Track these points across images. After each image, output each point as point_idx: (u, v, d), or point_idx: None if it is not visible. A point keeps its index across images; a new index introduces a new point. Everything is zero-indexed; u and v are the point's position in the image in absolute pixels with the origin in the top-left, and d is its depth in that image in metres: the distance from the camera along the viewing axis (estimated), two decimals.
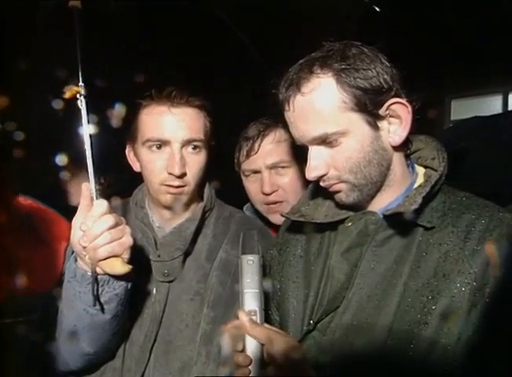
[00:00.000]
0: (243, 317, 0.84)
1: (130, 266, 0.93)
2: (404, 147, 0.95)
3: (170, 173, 1.07)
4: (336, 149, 0.89)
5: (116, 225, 0.92)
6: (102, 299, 0.96)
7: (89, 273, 0.93)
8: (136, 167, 1.17)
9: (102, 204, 0.92)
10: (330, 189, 0.94)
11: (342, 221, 0.98)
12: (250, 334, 0.84)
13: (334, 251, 0.96)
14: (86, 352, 1.02)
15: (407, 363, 0.84)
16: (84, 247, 0.91)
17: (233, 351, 0.85)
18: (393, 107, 0.88)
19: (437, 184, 0.91)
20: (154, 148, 1.09)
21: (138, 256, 1.01)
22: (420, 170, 0.98)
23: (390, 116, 0.89)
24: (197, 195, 1.19)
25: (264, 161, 1.31)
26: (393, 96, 0.88)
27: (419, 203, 0.85)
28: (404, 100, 0.88)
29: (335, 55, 0.87)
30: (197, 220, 1.14)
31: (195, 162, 1.11)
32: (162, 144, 1.08)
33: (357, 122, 0.87)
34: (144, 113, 1.09)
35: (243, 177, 1.39)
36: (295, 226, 1.09)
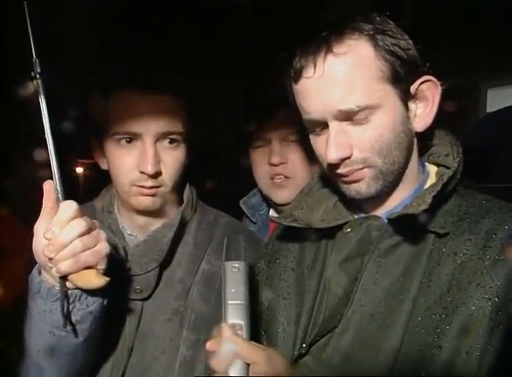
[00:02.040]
0: (226, 332, 0.80)
1: (107, 278, 0.87)
2: (419, 138, 0.91)
3: (141, 172, 1.03)
4: (364, 127, 0.83)
5: (89, 230, 0.86)
6: (73, 318, 0.89)
7: (57, 288, 0.87)
8: (103, 165, 1.12)
9: (70, 206, 0.84)
10: (350, 178, 0.87)
11: (341, 228, 0.93)
12: None
13: (331, 261, 0.92)
14: None
15: None
16: (50, 259, 0.84)
17: (213, 371, 0.80)
18: (422, 86, 0.85)
19: (451, 184, 0.85)
20: (123, 142, 1.04)
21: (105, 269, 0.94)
22: (432, 169, 0.94)
23: (417, 98, 0.86)
24: (175, 197, 1.14)
25: (275, 130, 1.32)
26: (423, 74, 0.85)
27: (429, 203, 0.80)
28: (435, 79, 0.85)
29: (364, 21, 0.84)
30: (175, 225, 1.09)
31: (172, 158, 1.06)
32: (132, 137, 1.03)
33: (391, 97, 0.83)
34: (111, 102, 1.04)
35: (251, 151, 1.41)
36: (287, 234, 1.04)
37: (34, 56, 0.85)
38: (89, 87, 1.13)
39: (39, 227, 0.87)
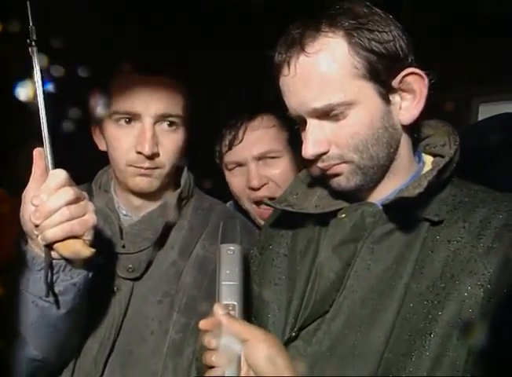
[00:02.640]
0: (219, 311, 0.79)
1: (93, 249, 0.87)
2: (412, 130, 0.90)
3: (139, 153, 1.03)
4: (341, 123, 0.84)
5: (77, 199, 0.85)
6: (56, 289, 0.89)
7: (43, 256, 0.86)
8: (101, 145, 1.12)
9: (59, 174, 0.84)
10: (329, 172, 0.88)
11: (335, 215, 0.93)
12: (227, 330, 0.78)
13: (325, 246, 0.91)
14: (33, 356, 0.94)
15: None
16: (36, 226, 0.84)
17: (206, 349, 0.80)
18: (407, 79, 0.84)
19: (447, 171, 0.85)
20: (122, 122, 1.04)
21: (96, 245, 0.93)
22: (428, 159, 0.93)
23: (403, 90, 0.85)
24: (172, 180, 1.14)
25: (250, 151, 1.25)
26: (407, 67, 0.84)
27: (424, 187, 0.79)
28: (420, 71, 0.84)
29: (345, 13, 0.83)
30: (171, 206, 1.09)
31: (171, 141, 1.06)
32: (131, 117, 1.03)
33: (368, 93, 0.82)
34: (112, 81, 1.05)
35: (226, 172, 1.33)
36: (280, 221, 1.04)
37: (31, 24, 0.84)
38: (90, 68, 1.13)
39: (27, 194, 0.87)
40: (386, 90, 0.83)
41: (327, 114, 0.84)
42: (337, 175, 0.88)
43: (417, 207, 0.84)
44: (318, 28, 0.82)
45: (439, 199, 0.87)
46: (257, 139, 1.25)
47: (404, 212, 0.84)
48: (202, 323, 0.81)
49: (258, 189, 1.26)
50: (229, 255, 0.85)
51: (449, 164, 0.86)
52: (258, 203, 1.29)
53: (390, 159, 0.88)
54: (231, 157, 1.28)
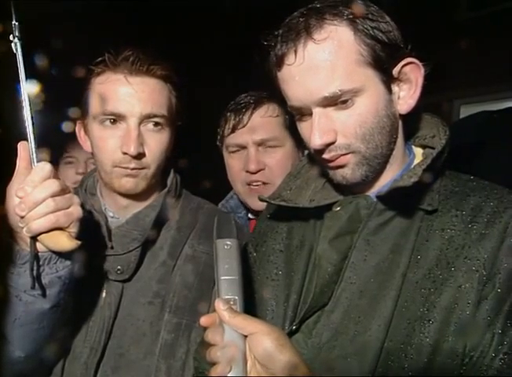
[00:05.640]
0: (221, 306, 0.79)
1: (78, 242, 0.87)
2: (405, 121, 0.94)
3: (124, 153, 1.03)
4: (348, 113, 0.86)
5: (62, 191, 0.86)
6: (42, 282, 0.89)
7: (27, 250, 0.87)
8: (86, 147, 1.12)
9: (44, 167, 0.85)
10: (335, 163, 0.90)
11: (330, 208, 0.95)
12: (230, 324, 0.78)
13: (322, 238, 0.93)
14: (16, 357, 0.94)
15: (407, 368, 0.80)
16: (21, 218, 0.84)
17: (208, 346, 0.80)
18: (405, 69, 0.87)
19: (440, 159, 0.89)
20: (107, 123, 1.05)
21: (84, 248, 0.93)
22: (418, 152, 0.97)
23: (400, 80, 0.88)
24: (159, 181, 1.15)
25: (252, 136, 1.32)
26: (406, 57, 0.87)
27: (419, 176, 0.83)
28: (417, 61, 0.87)
29: (345, 4, 0.85)
30: (158, 206, 1.10)
31: (156, 141, 1.07)
32: (116, 118, 1.04)
33: (373, 80, 0.85)
34: (96, 82, 1.05)
35: (226, 154, 1.40)
36: (274, 217, 1.06)
37: (14, 21, 0.87)
38: (73, 68, 1.14)
39: (12, 188, 0.87)
40: (388, 79, 0.87)
41: (334, 102, 0.85)
42: (342, 167, 0.90)
43: (410, 198, 0.88)
44: (323, 17, 0.85)
45: (431, 190, 0.90)
46: (260, 125, 1.33)
47: (398, 203, 0.88)
48: (204, 320, 0.81)
49: (255, 174, 1.33)
50: (226, 250, 0.85)
51: (440, 154, 0.89)
52: (251, 184, 1.36)
53: (391, 148, 0.91)
54: (233, 139, 1.36)
